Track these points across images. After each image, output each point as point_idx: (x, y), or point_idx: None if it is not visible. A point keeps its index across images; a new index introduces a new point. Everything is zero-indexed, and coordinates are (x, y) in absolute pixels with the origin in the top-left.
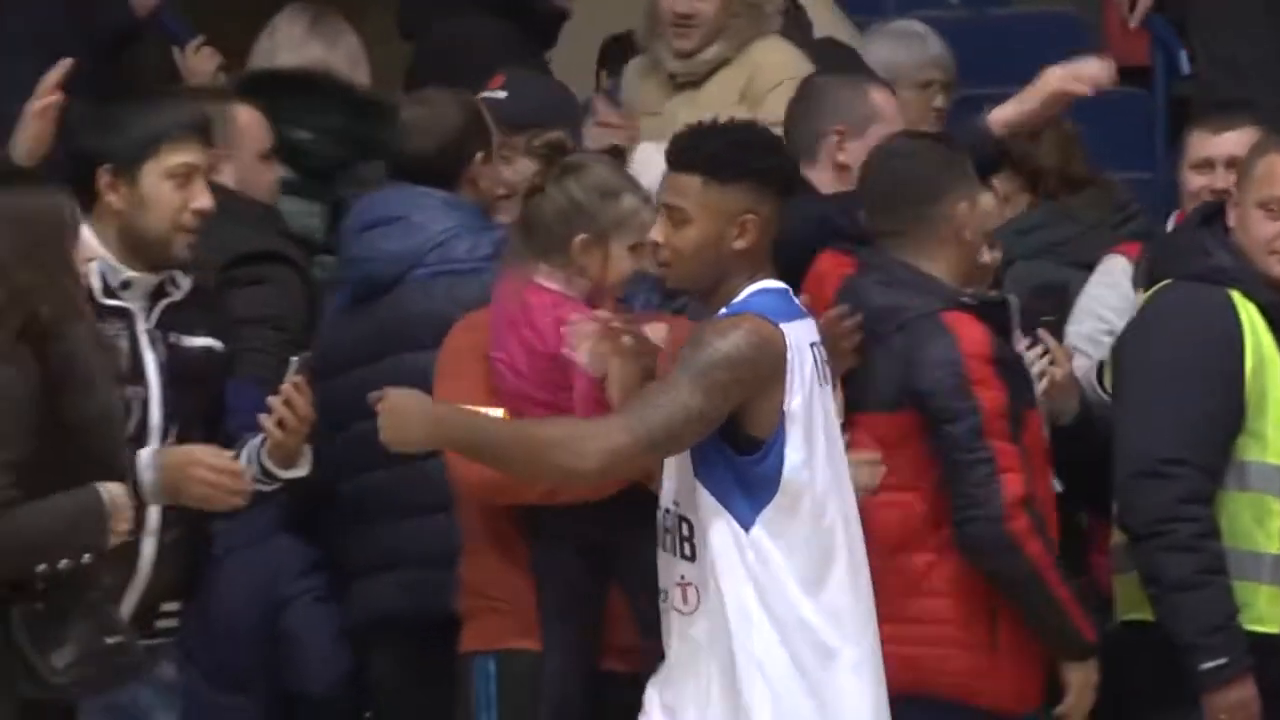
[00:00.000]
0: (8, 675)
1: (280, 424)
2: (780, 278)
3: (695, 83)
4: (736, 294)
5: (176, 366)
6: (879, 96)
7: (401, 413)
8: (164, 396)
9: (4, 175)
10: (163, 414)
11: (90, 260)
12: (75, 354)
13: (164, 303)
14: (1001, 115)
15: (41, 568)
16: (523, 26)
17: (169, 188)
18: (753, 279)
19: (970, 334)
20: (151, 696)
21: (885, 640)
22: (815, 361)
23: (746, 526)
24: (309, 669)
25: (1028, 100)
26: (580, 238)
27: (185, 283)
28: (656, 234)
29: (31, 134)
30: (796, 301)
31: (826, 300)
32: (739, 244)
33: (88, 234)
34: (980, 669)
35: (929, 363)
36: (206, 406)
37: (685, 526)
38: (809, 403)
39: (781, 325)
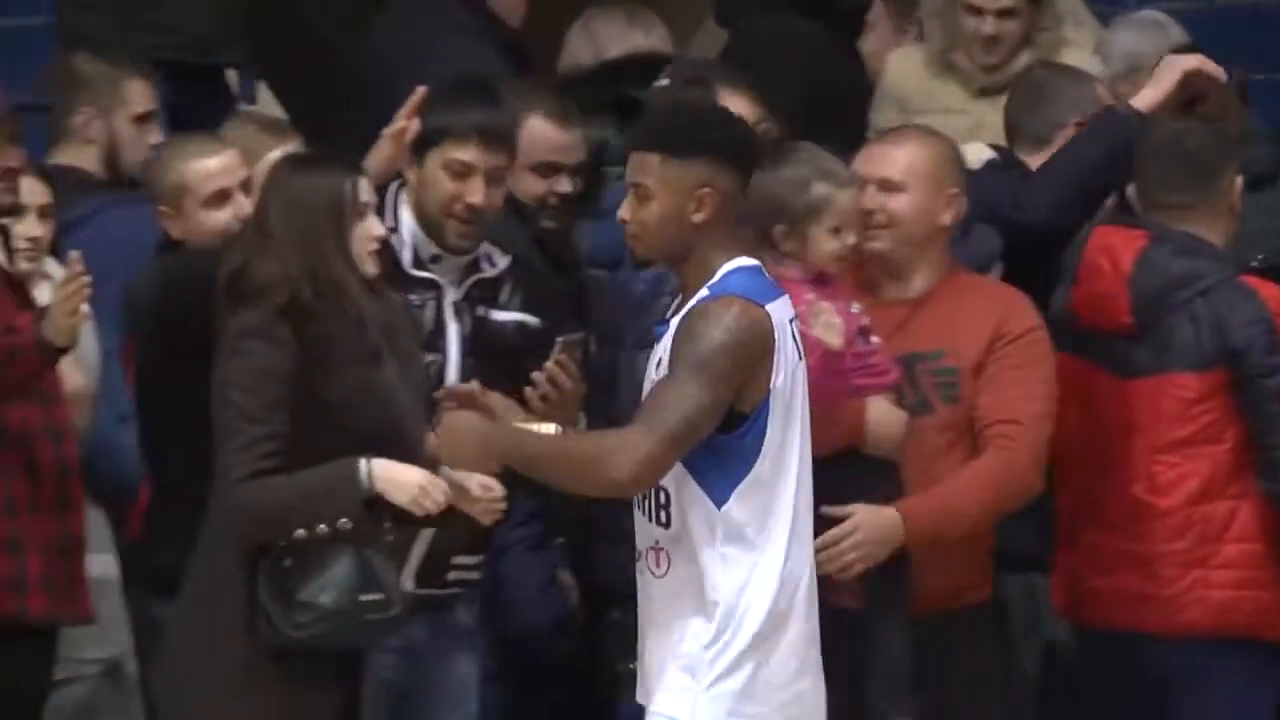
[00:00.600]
0: (250, 623)
1: (544, 399)
2: (1040, 256)
3: (1001, 90)
4: (712, 270)
5: (481, 338)
6: (1100, 89)
7: (454, 433)
8: (462, 365)
9: (300, 158)
10: (459, 381)
11: (391, 232)
12: (333, 334)
13: (475, 277)
14: (1146, 99)
15: (300, 533)
16: (827, 25)
17: (444, 177)
18: (728, 254)
19: (1271, 295)
20: (449, 642)
21: (1193, 586)
22: (793, 337)
23: (720, 503)
24: (522, 612)
25: (1164, 82)
26: (778, 227)
27: (502, 260)
28: (622, 211)
29: (384, 155)
30: (768, 277)
31: (1123, 271)
32: (698, 217)
33: (405, 209)
34: None
35: (1240, 323)
36: (511, 378)
37: (662, 494)
38: (790, 379)
39: (765, 306)
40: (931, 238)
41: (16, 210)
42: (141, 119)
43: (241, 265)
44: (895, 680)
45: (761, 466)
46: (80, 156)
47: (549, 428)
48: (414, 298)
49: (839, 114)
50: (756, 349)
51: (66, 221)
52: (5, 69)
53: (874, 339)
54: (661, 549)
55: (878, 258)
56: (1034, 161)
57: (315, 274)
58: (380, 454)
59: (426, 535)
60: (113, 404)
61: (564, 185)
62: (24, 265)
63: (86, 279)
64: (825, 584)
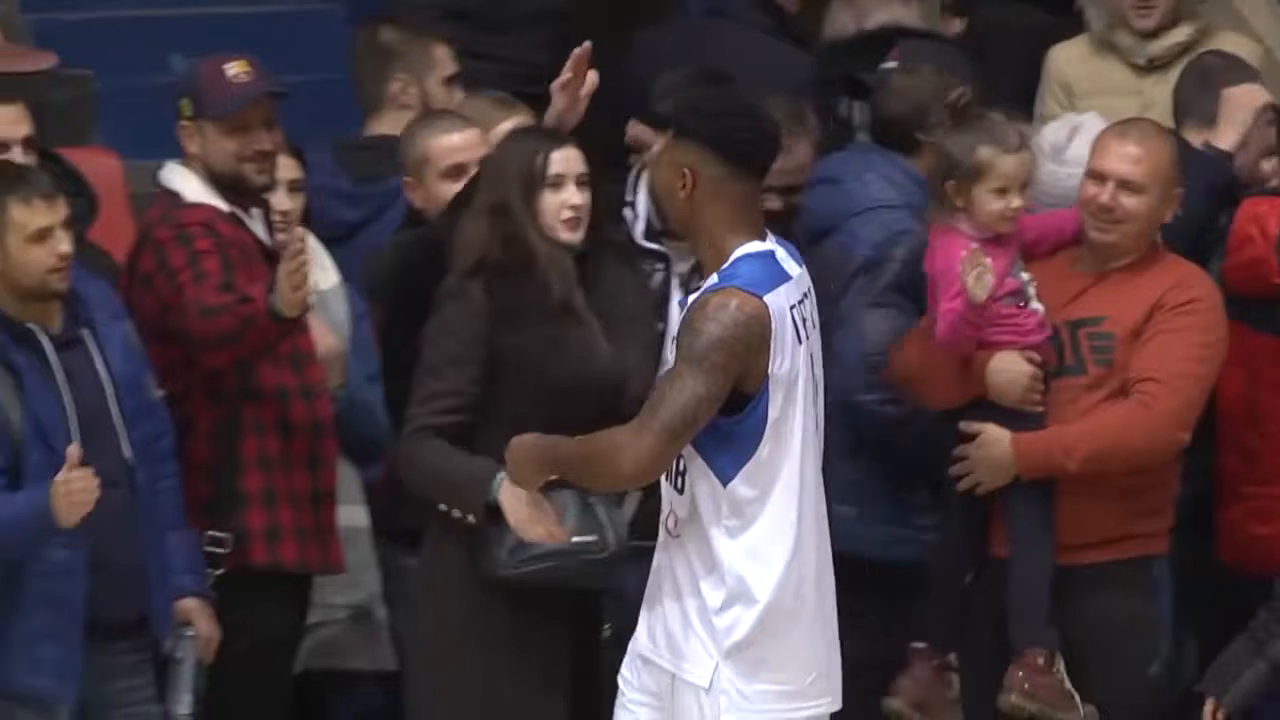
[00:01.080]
0: (470, 556)
1: None
2: (1195, 227)
3: (1165, 65)
4: (725, 254)
5: None
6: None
7: (514, 455)
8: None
9: (514, 131)
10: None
11: (628, 206)
12: (522, 293)
13: None
14: (1227, 139)
15: (441, 506)
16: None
17: None
18: (739, 238)
19: None
20: None
21: None
22: (794, 323)
23: (725, 480)
24: None
25: (1236, 120)
26: (949, 183)
27: None
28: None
29: (557, 108)
30: (780, 264)
31: (1270, 236)
32: (682, 194)
33: (643, 187)
34: None
35: None
36: None
37: (680, 462)
38: (791, 365)
39: (765, 297)
40: (1153, 232)
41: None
42: (450, 80)
43: (452, 230)
44: (1031, 617)
45: (764, 448)
46: (398, 124)
47: None
48: (645, 267)
49: None
50: (753, 340)
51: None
52: (276, 51)
53: (1034, 305)
54: (674, 513)
55: (1105, 246)
56: (1200, 139)
57: (504, 237)
58: (574, 407)
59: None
60: (363, 364)
61: None
62: (278, 237)
63: (308, 255)
64: (982, 534)
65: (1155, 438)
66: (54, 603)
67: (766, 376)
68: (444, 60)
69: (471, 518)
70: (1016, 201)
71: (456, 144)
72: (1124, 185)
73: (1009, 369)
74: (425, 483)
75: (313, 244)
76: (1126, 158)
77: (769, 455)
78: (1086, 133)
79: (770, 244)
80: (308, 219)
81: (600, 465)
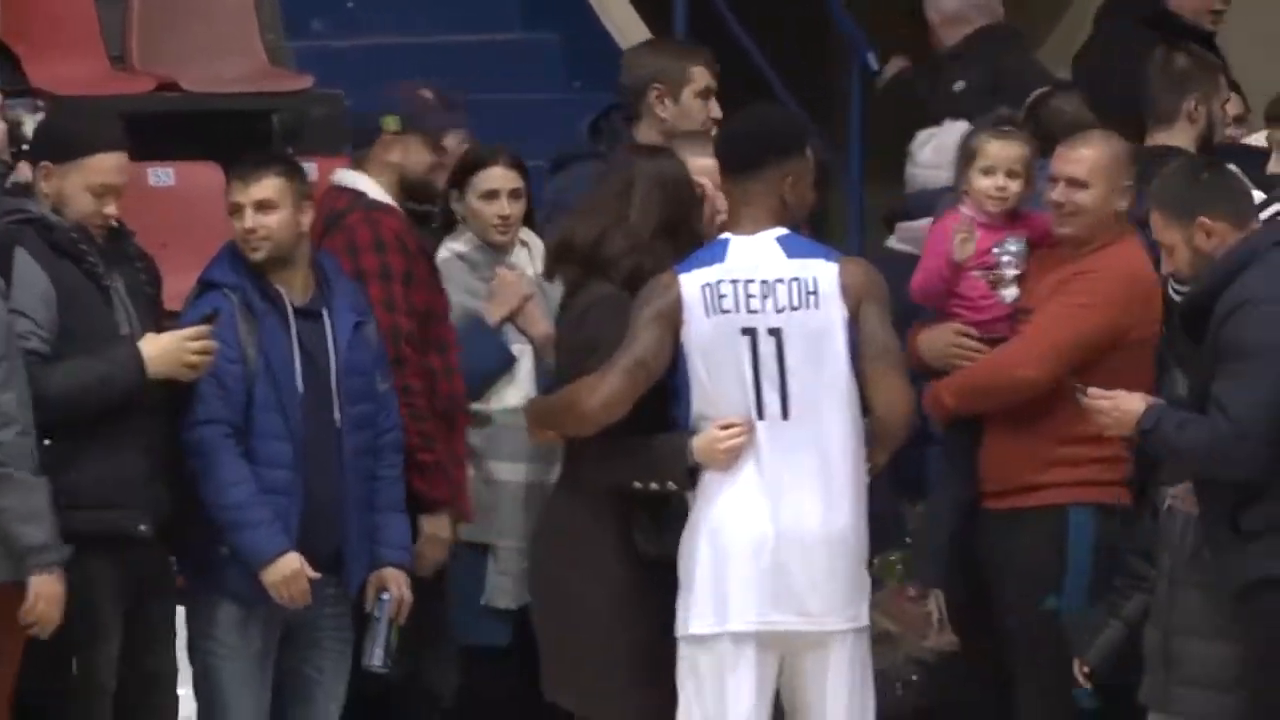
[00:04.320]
0: (629, 532)
1: None
2: None
3: None
4: None
5: None
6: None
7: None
8: None
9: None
10: None
11: None
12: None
13: None
14: None
15: (636, 485)
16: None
17: None
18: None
19: None
20: None
21: None
22: (721, 297)
23: (683, 429)
24: None
25: None
26: (960, 167)
27: None
28: None
29: None
30: (716, 249)
31: None
32: None
33: None
34: None
35: None
36: None
37: None
38: (708, 332)
39: (682, 274)
40: (1109, 222)
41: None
42: (702, 94)
43: (598, 236)
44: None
45: (695, 407)
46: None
47: None
48: None
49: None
50: (659, 304)
51: None
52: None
53: (1004, 293)
54: None
55: (1066, 237)
56: (1166, 136)
57: (661, 248)
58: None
59: None
60: None
61: None
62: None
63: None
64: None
65: (1006, 376)
66: (273, 507)
67: (681, 343)
68: (699, 76)
69: (672, 486)
70: (1002, 182)
71: (708, 168)
72: (1072, 183)
73: (933, 341)
74: (616, 469)
75: (529, 236)
76: (1072, 159)
77: (699, 411)
78: (939, 139)
79: (739, 236)
80: (530, 223)
81: (565, 414)
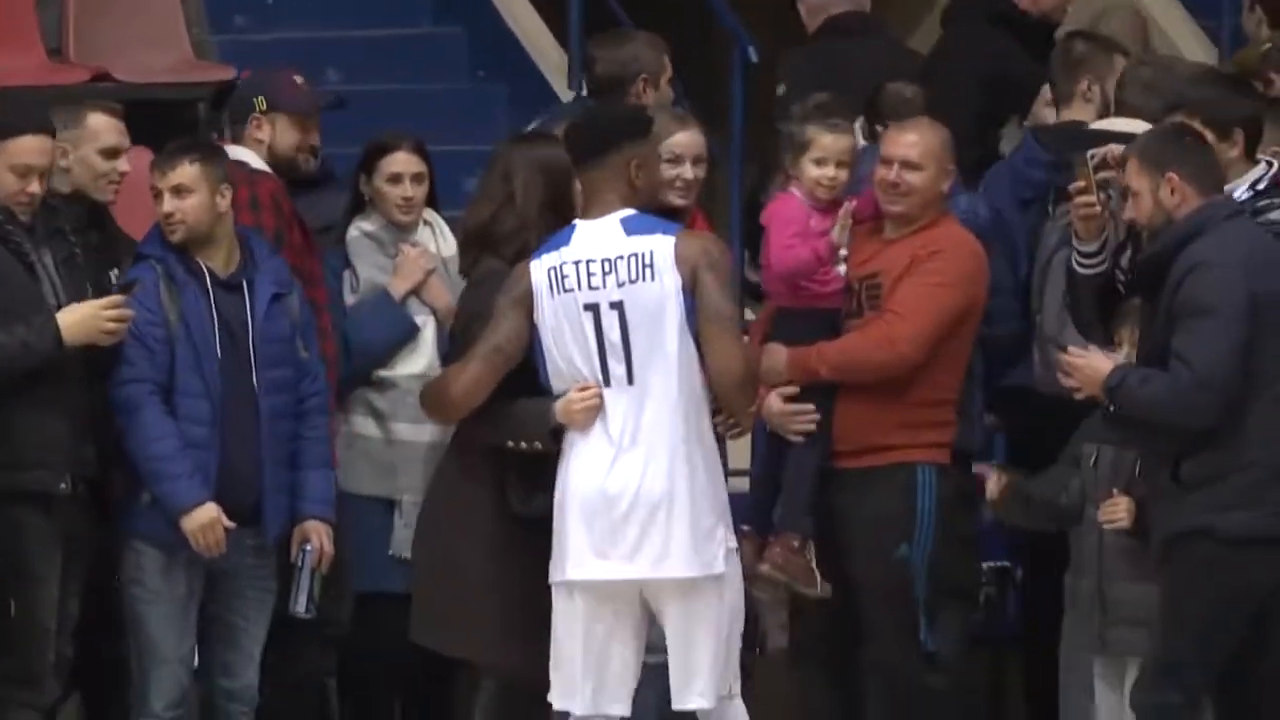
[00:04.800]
0: (505, 495)
1: None
2: None
3: None
4: None
5: None
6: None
7: None
8: None
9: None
10: None
11: None
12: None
13: None
14: None
15: (509, 445)
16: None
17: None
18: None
19: None
20: None
21: None
22: (567, 280)
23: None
24: None
25: None
26: (789, 157)
27: None
28: None
29: None
30: (563, 235)
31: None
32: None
33: None
34: None
35: None
36: None
37: None
38: (556, 315)
39: (533, 260)
40: (935, 202)
41: None
42: (669, 80)
43: (489, 217)
44: (794, 506)
45: (549, 380)
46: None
47: None
48: None
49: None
50: (514, 293)
51: None
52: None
53: (839, 269)
54: None
55: (896, 215)
56: (1072, 113)
57: (546, 224)
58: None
59: None
60: None
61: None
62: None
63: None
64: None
65: (887, 352)
66: (193, 460)
67: (534, 324)
68: None
69: (538, 445)
70: (832, 171)
71: (685, 141)
72: (905, 165)
73: (776, 359)
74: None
75: (432, 216)
76: (904, 143)
77: (553, 384)
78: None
79: (585, 221)
80: (434, 204)
81: (434, 400)
